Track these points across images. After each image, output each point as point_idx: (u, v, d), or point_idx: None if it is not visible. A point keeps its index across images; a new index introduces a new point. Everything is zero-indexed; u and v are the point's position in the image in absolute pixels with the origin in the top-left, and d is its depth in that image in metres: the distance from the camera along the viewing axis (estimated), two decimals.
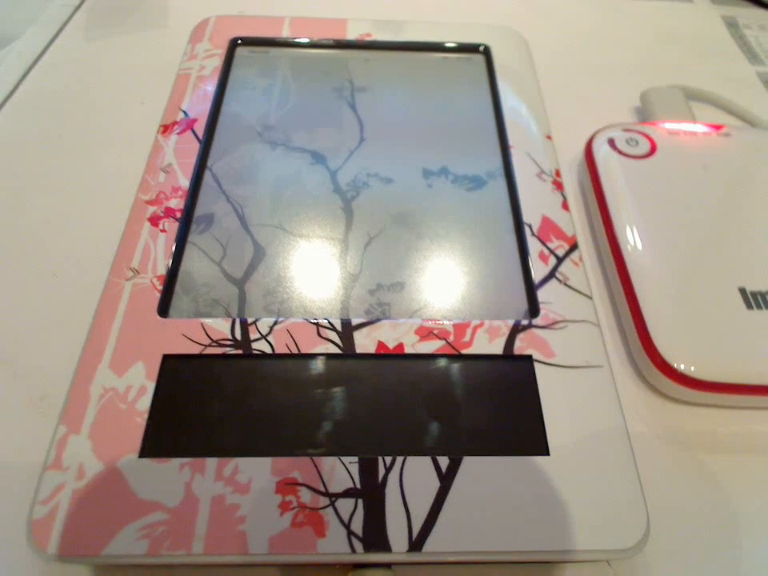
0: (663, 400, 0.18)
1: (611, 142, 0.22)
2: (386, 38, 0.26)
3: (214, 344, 0.16)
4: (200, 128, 0.22)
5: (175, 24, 0.29)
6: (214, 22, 0.27)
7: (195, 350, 0.16)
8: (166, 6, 0.30)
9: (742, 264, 0.19)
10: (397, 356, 0.17)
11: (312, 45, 0.26)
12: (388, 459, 0.15)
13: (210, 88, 0.24)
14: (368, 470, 0.14)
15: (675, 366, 0.16)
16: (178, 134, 0.22)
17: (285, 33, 0.26)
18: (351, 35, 0.26)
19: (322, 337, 0.17)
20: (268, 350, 0.16)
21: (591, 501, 0.14)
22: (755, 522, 0.16)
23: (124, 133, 0.24)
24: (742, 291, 0.18)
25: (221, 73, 0.24)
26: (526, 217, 0.20)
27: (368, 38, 0.26)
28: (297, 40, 0.26)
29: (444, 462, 0.15)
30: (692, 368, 0.16)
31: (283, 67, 0.25)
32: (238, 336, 0.17)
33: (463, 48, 0.26)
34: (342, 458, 0.15)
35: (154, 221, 0.19)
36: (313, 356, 0.16)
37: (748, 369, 0.16)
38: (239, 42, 0.26)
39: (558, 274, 0.18)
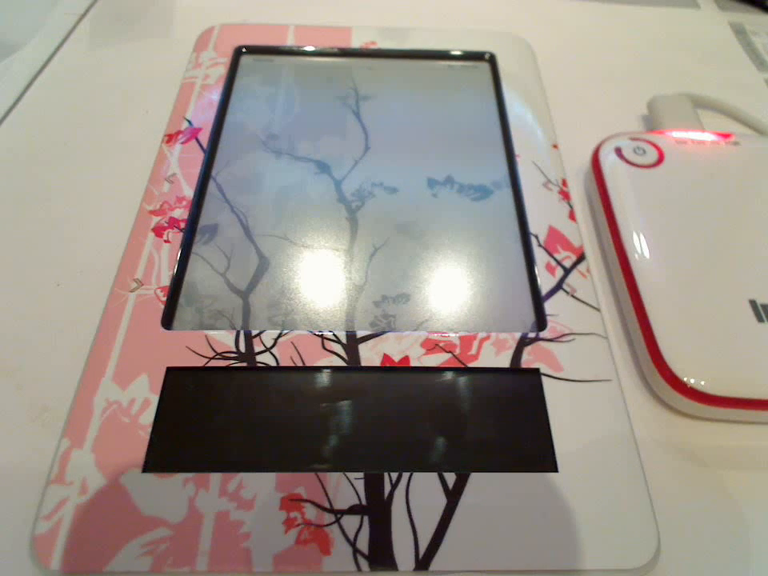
0: (673, 415, 0.17)
1: (618, 151, 0.22)
2: (391, 46, 0.26)
3: (218, 357, 0.16)
4: (204, 137, 0.22)
5: (180, 33, 0.29)
6: (219, 30, 0.26)
7: (199, 362, 0.16)
8: (171, 15, 0.30)
9: (753, 276, 0.18)
10: (402, 369, 0.16)
11: (317, 53, 0.26)
12: (394, 475, 0.14)
13: (215, 97, 0.24)
14: (374, 486, 0.14)
15: (685, 380, 0.16)
16: (183, 143, 0.22)
17: (289, 41, 0.26)
18: (356, 43, 0.26)
19: (326, 349, 0.17)
20: (272, 363, 0.16)
21: (601, 519, 0.14)
22: None
23: (128, 142, 0.24)
24: (753, 303, 0.18)
25: (225, 81, 0.24)
26: (533, 227, 0.20)
27: (373, 46, 0.26)
28: (301, 48, 0.26)
29: (451, 478, 0.14)
30: (702, 382, 0.16)
31: (288, 75, 0.25)
32: (243, 348, 0.16)
33: (468, 56, 0.26)
34: (348, 474, 0.14)
35: (158, 231, 0.19)
36: (317, 369, 0.16)
37: (760, 383, 0.16)
38: (244, 50, 0.26)
39: (565, 286, 0.18)
